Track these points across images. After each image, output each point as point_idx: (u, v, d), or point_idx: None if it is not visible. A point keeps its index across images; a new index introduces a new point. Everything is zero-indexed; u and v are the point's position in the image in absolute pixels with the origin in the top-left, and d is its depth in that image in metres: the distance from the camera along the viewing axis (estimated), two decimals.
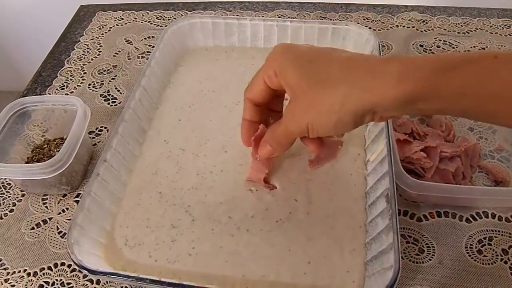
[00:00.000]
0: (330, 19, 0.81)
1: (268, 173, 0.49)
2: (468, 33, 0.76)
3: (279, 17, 0.82)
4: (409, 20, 0.80)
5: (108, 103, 0.67)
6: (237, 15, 0.83)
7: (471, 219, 0.50)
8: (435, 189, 0.47)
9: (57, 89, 0.70)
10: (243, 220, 0.46)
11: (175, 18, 0.84)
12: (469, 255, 0.47)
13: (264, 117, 0.46)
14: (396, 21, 0.80)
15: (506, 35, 0.75)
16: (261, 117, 0.46)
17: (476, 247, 0.48)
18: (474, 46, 0.73)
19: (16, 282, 0.48)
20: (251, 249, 0.44)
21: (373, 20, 0.80)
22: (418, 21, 0.80)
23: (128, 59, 0.75)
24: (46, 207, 0.54)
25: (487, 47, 0.73)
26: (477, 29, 0.77)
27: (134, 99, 0.54)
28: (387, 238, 0.40)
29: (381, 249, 0.40)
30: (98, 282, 0.47)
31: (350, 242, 0.44)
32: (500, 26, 0.78)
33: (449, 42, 0.74)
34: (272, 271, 0.42)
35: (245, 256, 0.44)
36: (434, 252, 0.48)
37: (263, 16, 0.83)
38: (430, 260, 0.47)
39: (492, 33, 0.76)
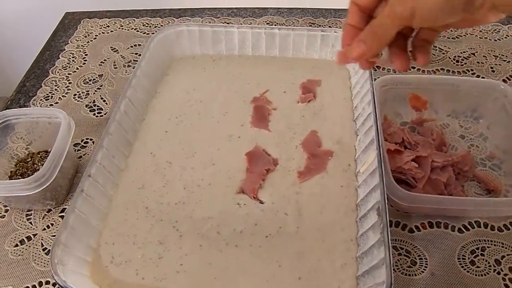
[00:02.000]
0: (319, 25, 0.80)
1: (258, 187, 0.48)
2: (458, 38, 0.76)
3: (267, 24, 0.81)
4: None
5: (94, 114, 0.65)
6: (225, 22, 0.82)
7: (463, 229, 0.50)
8: (426, 201, 0.46)
9: (41, 99, 0.68)
10: (232, 236, 0.45)
11: (161, 25, 0.83)
12: (462, 266, 0.47)
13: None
14: None
15: (496, 40, 0.75)
16: (364, 24, 0.41)
17: (469, 258, 0.47)
18: (464, 51, 0.73)
19: None
20: (240, 265, 0.43)
21: None
22: None
23: (114, 68, 0.74)
24: (31, 223, 0.53)
25: (476, 52, 0.73)
26: (467, 34, 0.77)
27: (119, 111, 0.53)
28: (378, 253, 0.39)
29: (373, 264, 0.40)
30: None
31: (341, 256, 0.43)
32: (489, 30, 0.77)
33: (439, 48, 0.74)
34: None
35: (234, 272, 0.43)
36: (427, 264, 0.47)
37: (251, 23, 0.82)
38: (422, 272, 0.46)
39: (481, 38, 0.76)
